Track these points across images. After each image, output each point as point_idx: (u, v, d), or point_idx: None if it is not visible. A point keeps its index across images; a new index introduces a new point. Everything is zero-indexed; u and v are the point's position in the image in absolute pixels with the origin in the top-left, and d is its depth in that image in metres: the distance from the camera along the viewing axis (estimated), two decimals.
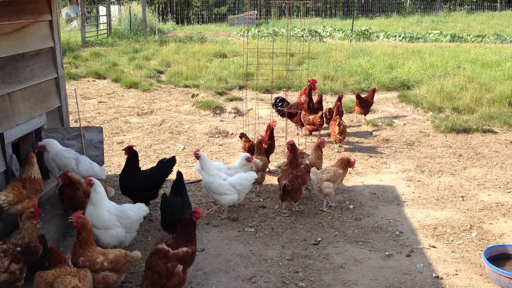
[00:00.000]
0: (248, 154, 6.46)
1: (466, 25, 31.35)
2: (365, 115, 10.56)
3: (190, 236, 4.25)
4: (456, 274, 4.91)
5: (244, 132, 8.06)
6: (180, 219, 4.39)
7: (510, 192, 6.97)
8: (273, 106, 10.00)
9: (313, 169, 6.21)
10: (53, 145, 5.75)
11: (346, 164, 6.39)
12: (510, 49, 19.70)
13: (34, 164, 5.11)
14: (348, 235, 5.72)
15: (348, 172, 6.58)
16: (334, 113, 8.99)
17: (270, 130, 7.50)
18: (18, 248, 4.10)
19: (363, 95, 10.63)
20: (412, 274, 4.89)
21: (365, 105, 10.33)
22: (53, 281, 3.72)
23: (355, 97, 10.50)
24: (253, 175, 6.06)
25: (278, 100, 9.87)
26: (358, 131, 9.90)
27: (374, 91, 10.69)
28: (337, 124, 8.48)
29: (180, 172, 5.59)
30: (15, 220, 4.90)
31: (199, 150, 6.12)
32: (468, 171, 7.80)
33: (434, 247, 5.45)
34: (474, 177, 7.54)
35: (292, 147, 6.24)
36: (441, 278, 4.82)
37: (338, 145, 8.84)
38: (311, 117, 8.95)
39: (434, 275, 4.88)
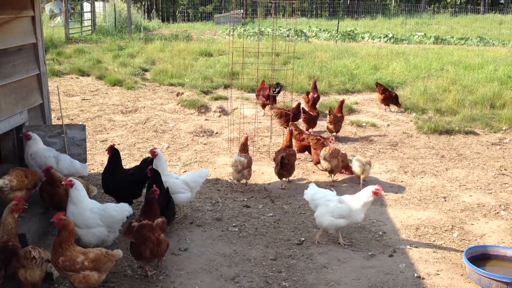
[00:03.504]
0: (377, 186, 5.26)
1: (449, 27, 31.75)
2: (393, 106, 11.48)
3: (157, 211, 4.88)
4: (437, 274, 4.96)
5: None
6: (146, 199, 4.97)
7: (491, 193, 7.07)
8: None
9: (355, 158, 7.18)
10: (35, 142, 5.70)
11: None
12: (492, 51, 19.99)
13: None
14: (332, 235, 5.74)
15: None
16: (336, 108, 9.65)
17: (291, 132, 7.78)
18: None
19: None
20: (394, 274, 4.93)
21: (385, 93, 11.42)
22: None
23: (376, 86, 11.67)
24: (205, 172, 6.18)
25: (277, 91, 10.59)
26: (342, 131, 9.93)
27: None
28: (328, 113, 9.29)
29: (155, 169, 5.58)
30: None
31: (156, 148, 5.98)
32: (450, 172, 7.89)
33: (416, 247, 5.50)
34: (456, 178, 7.63)
35: (291, 132, 7.66)
36: (423, 278, 4.87)
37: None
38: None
39: (415, 275, 4.92)
